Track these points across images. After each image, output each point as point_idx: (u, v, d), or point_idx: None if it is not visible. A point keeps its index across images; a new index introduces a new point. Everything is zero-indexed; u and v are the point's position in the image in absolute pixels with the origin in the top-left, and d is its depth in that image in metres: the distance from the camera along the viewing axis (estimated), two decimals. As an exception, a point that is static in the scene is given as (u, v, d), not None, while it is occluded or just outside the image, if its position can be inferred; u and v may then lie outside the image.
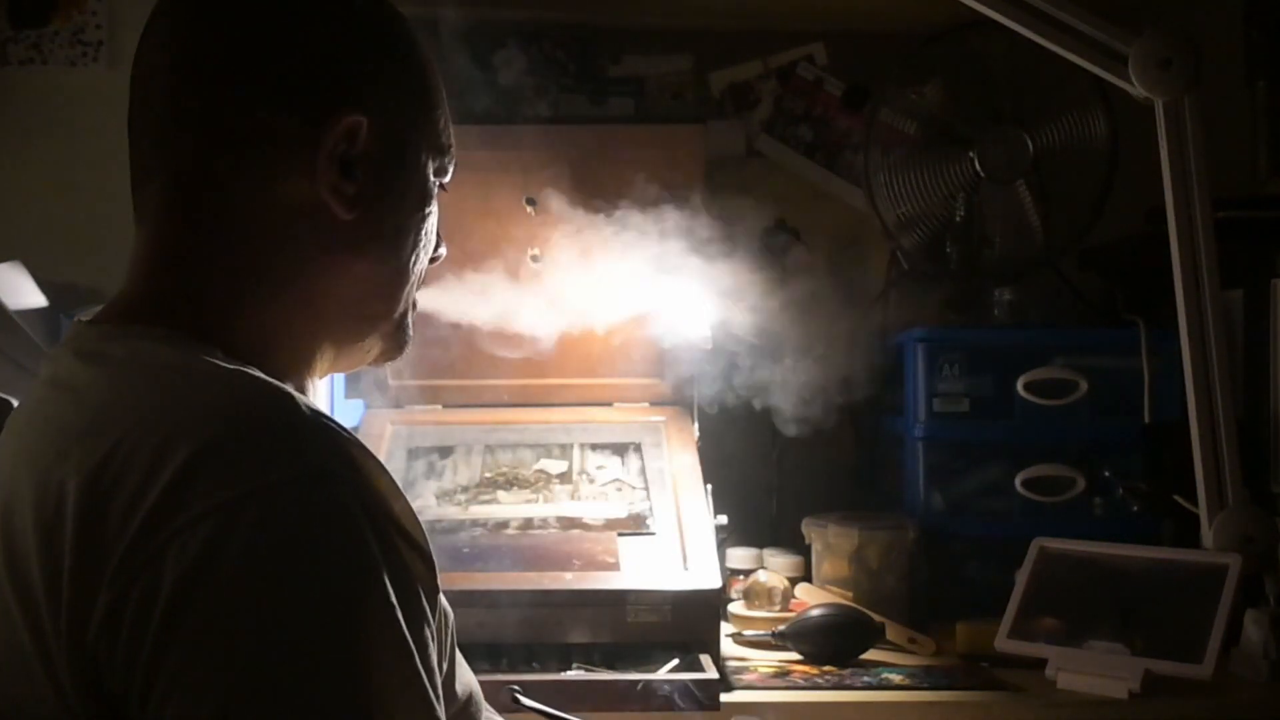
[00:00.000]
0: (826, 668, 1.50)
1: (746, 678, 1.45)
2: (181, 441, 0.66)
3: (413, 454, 1.73)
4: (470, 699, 0.99)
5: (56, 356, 0.81)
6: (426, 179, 0.90)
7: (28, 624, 0.67)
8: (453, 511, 1.62)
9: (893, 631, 1.59)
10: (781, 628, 1.56)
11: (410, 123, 0.88)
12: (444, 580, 0.76)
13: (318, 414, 0.71)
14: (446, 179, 0.93)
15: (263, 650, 0.62)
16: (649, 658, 1.43)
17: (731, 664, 1.50)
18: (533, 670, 1.40)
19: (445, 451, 1.74)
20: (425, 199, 0.90)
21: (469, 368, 1.71)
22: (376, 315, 0.88)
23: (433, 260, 0.93)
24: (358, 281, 0.85)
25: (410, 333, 0.92)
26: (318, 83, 0.82)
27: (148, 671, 0.63)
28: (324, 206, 0.82)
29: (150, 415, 0.69)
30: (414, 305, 0.92)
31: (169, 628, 0.63)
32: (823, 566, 1.75)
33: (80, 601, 0.65)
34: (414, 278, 0.90)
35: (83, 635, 0.65)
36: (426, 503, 1.63)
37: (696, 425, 1.76)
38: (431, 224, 0.91)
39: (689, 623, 1.44)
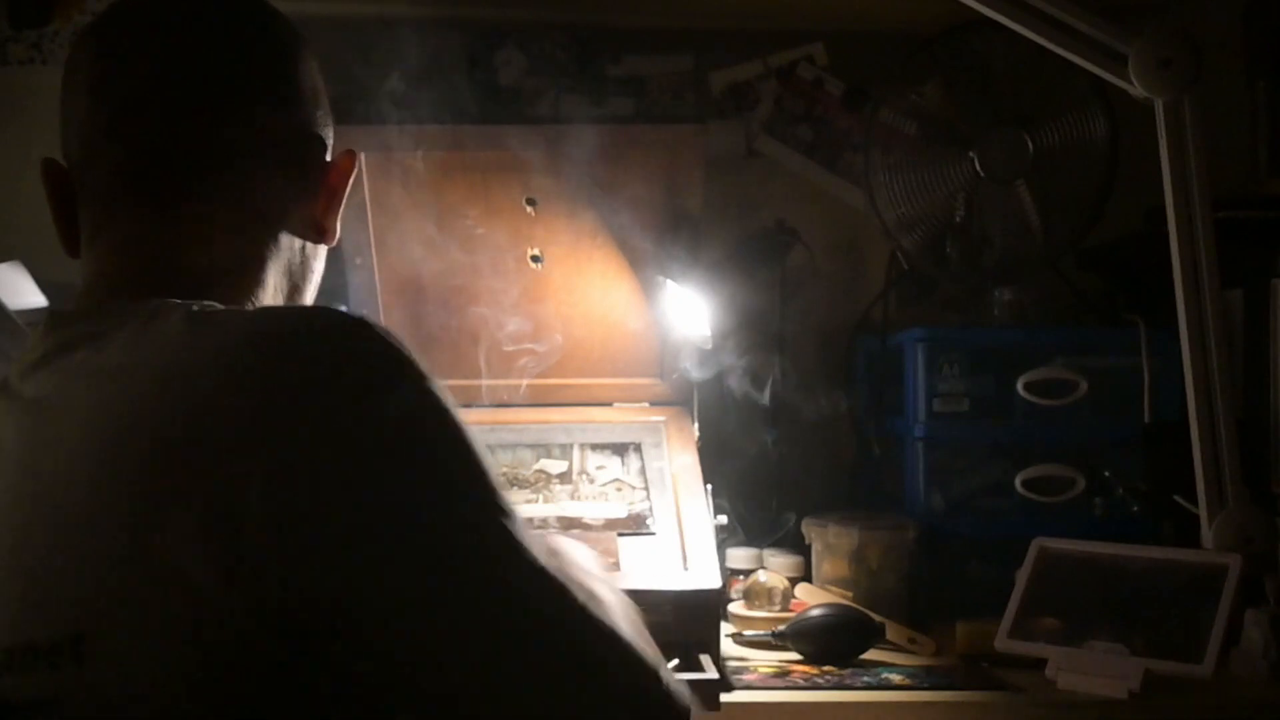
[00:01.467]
0: (826, 668, 1.50)
1: (746, 678, 1.45)
2: (262, 371, 0.71)
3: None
4: None
5: (31, 365, 0.82)
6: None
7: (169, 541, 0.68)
8: (453, 511, 1.61)
9: (893, 631, 1.59)
10: (781, 628, 1.56)
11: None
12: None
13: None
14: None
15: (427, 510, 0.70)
16: (649, 658, 1.43)
17: (731, 664, 1.50)
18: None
19: (445, 451, 1.73)
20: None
21: (469, 368, 1.71)
22: None
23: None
24: (297, 287, 0.95)
25: None
26: (325, 120, 0.97)
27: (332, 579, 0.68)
28: (305, 229, 0.93)
29: (205, 360, 0.73)
30: None
31: (335, 521, 0.68)
32: (823, 566, 1.75)
33: (241, 544, 0.67)
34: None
35: (244, 569, 0.67)
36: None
37: (696, 425, 1.76)
38: None
39: (689, 623, 1.44)
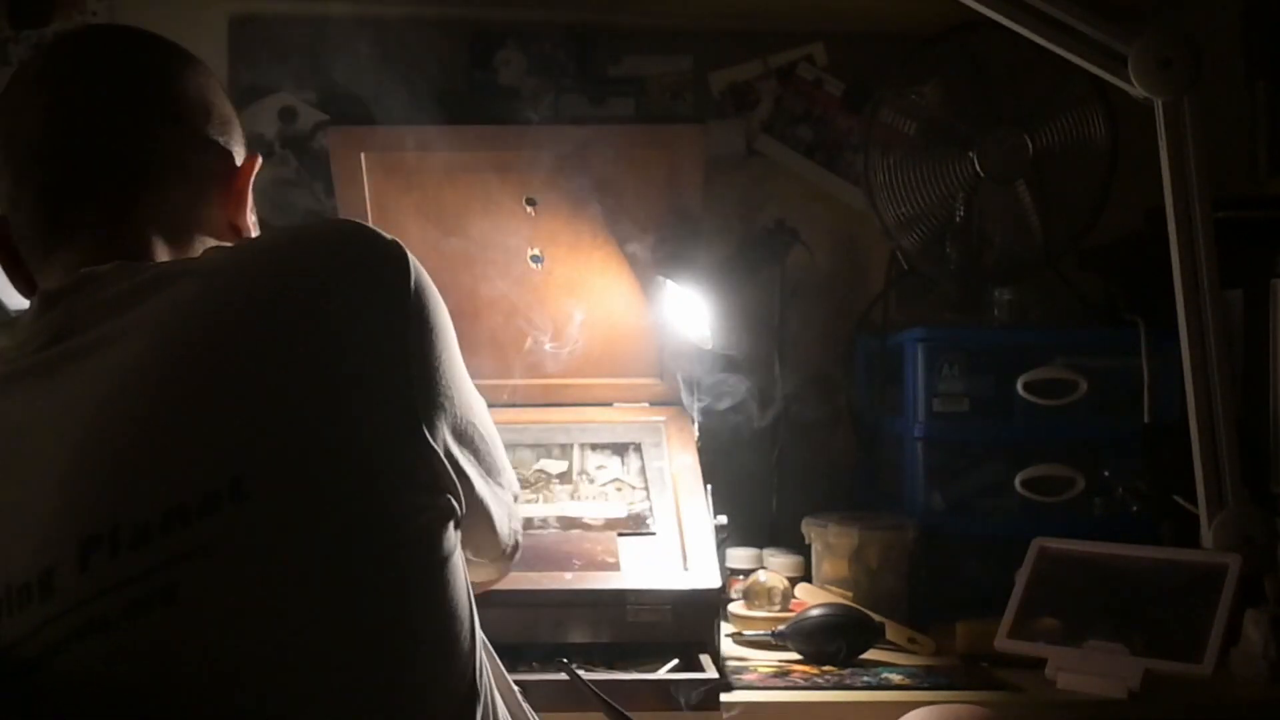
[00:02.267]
0: (826, 668, 1.50)
1: (746, 678, 1.45)
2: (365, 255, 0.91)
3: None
4: None
5: (129, 282, 0.90)
6: None
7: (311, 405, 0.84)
8: (453, 511, 1.61)
9: (893, 631, 1.59)
10: (781, 628, 1.56)
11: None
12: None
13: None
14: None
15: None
16: (649, 658, 1.43)
17: (731, 664, 1.50)
18: (532, 670, 1.40)
19: (445, 451, 1.73)
20: None
21: (469, 368, 1.71)
22: None
23: None
24: None
25: None
26: (225, 125, 1.03)
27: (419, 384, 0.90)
28: (223, 230, 1.02)
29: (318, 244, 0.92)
30: None
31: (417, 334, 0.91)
32: (823, 566, 1.75)
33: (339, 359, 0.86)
34: None
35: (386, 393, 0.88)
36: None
37: (697, 425, 1.76)
38: None
39: (689, 623, 1.44)
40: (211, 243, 1.00)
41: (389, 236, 0.93)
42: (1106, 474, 1.81)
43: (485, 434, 1.01)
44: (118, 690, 0.80)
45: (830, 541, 1.74)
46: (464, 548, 0.96)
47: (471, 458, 0.98)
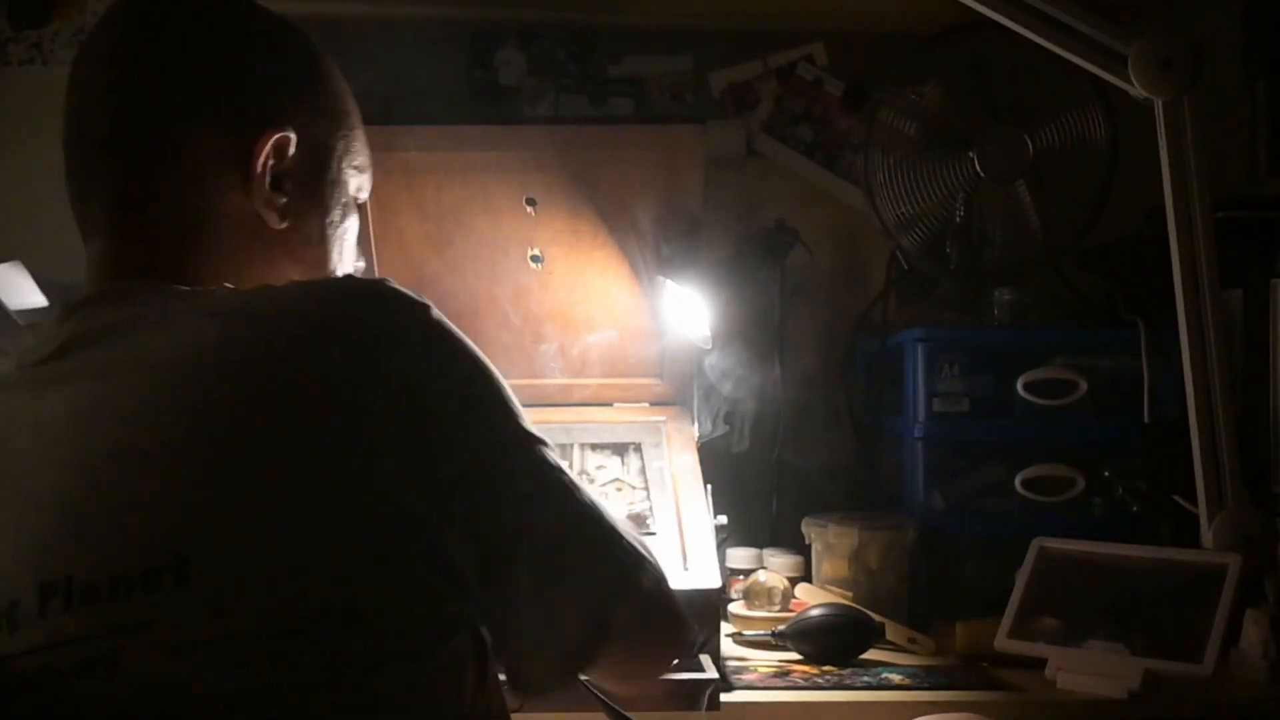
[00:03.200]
0: (826, 668, 1.50)
1: (746, 678, 1.45)
2: (354, 332, 0.82)
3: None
4: None
5: (113, 325, 0.86)
6: (348, 193, 1.01)
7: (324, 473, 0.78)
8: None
9: (893, 631, 1.59)
10: (781, 628, 1.56)
11: (332, 140, 0.99)
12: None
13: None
14: (365, 196, 1.05)
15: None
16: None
17: (731, 664, 1.50)
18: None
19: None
20: (348, 211, 1.01)
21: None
22: None
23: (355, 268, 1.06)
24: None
25: None
26: (248, 103, 0.92)
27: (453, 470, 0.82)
28: (258, 217, 0.93)
29: (316, 316, 0.83)
30: None
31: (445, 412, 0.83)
32: (823, 566, 1.75)
33: (340, 458, 0.78)
34: None
35: (374, 492, 0.79)
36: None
37: (696, 425, 1.76)
38: (353, 236, 1.03)
39: (689, 623, 1.43)
40: (237, 232, 0.92)
41: (419, 300, 0.85)
42: (1106, 474, 1.81)
43: (548, 529, 0.88)
44: None
45: (830, 541, 1.74)
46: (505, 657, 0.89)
47: (510, 558, 0.86)
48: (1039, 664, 1.45)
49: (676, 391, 1.81)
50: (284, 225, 0.94)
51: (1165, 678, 1.41)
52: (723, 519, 1.64)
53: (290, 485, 0.77)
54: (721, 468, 1.80)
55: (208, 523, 0.77)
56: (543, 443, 0.92)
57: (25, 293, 1.74)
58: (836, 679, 1.46)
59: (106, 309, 0.86)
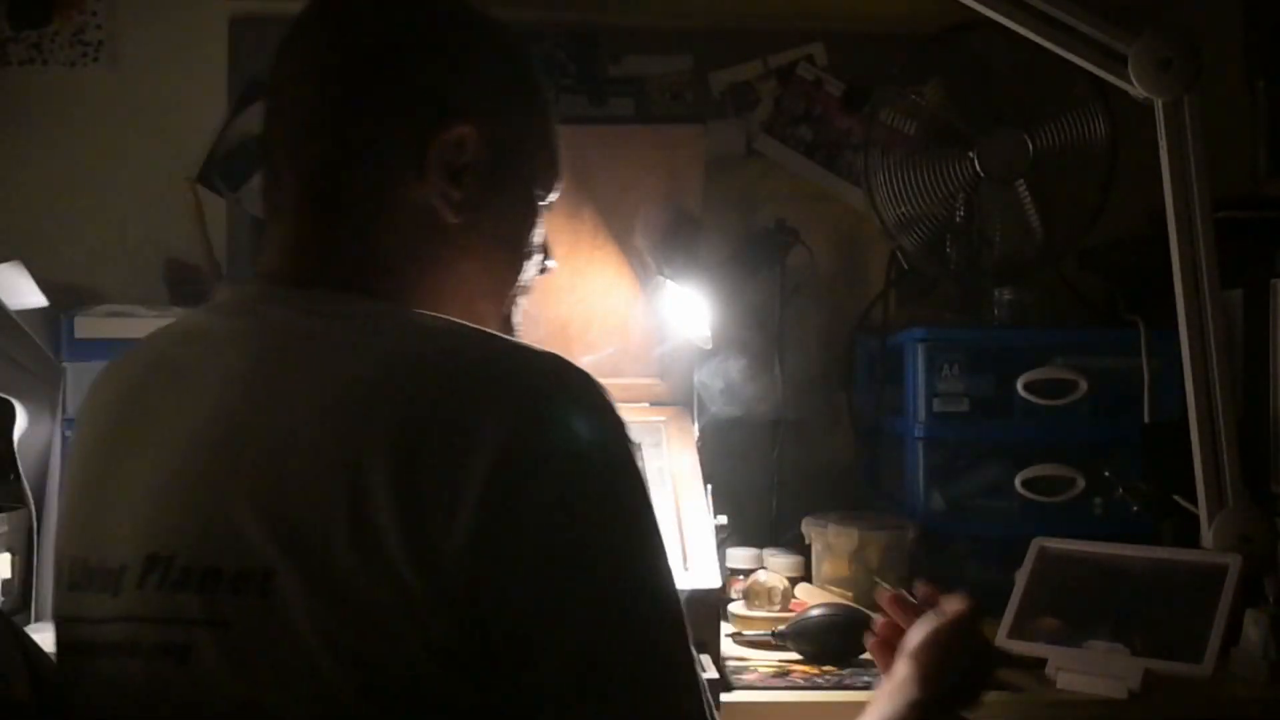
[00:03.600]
0: (826, 668, 1.50)
1: (746, 678, 1.45)
2: (506, 403, 0.77)
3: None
4: None
5: (246, 306, 0.88)
6: (531, 191, 0.97)
7: (372, 554, 0.74)
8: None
9: (893, 631, 1.59)
10: (781, 628, 1.56)
11: (518, 136, 0.95)
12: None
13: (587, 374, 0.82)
14: (552, 196, 1.00)
15: (618, 554, 0.79)
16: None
17: (731, 664, 1.50)
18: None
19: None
20: (531, 210, 0.97)
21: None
22: (483, 315, 0.94)
23: (542, 271, 1.02)
24: (469, 283, 0.93)
25: (515, 335, 0.99)
26: (429, 94, 0.90)
27: (522, 592, 0.75)
28: (434, 210, 0.89)
29: (458, 378, 0.78)
30: (517, 311, 1.00)
31: (539, 550, 0.75)
32: (823, 566, 1.75)
33: (442, 541, 0.74)
34: (519, 283, 0.98)
35: (440, 570, 0.74)
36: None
37: (696, 425, 1.76)
38: (537, 235, 0.99)
39: (689, 623, 1.43)
40: (412, 224, 0.90)
41: (601, 400, 0.80)
42: (1106, 474, 1.81)
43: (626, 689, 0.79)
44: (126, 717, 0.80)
45: (830, 541, 1.74)
46: None
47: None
48: (1039, 664, 1.45)
49: (676, 391, 1.81)
50: (458, 220, 0.90)
51: (1165, 678, 1.41)
52: (723, 519, 1.64)
53: (376, 547, 0.74)
54: (721, 468, 1.80)
55: (301, 548, 0.76)
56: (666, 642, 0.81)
57: (25, 293, 1.74)
58: (836, 679, 1.46)
59: (282, 306, 0.87)
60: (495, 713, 0.77)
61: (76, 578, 0.86)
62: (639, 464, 0.82)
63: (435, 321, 0.85)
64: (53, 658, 0.92)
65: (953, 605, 1.16)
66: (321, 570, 0.75)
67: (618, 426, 0.81)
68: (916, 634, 1.14)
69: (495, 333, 0.86)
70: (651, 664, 0.79)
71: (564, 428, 0.78)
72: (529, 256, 0.98)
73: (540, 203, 0.98)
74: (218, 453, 0.81)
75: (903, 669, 1.12)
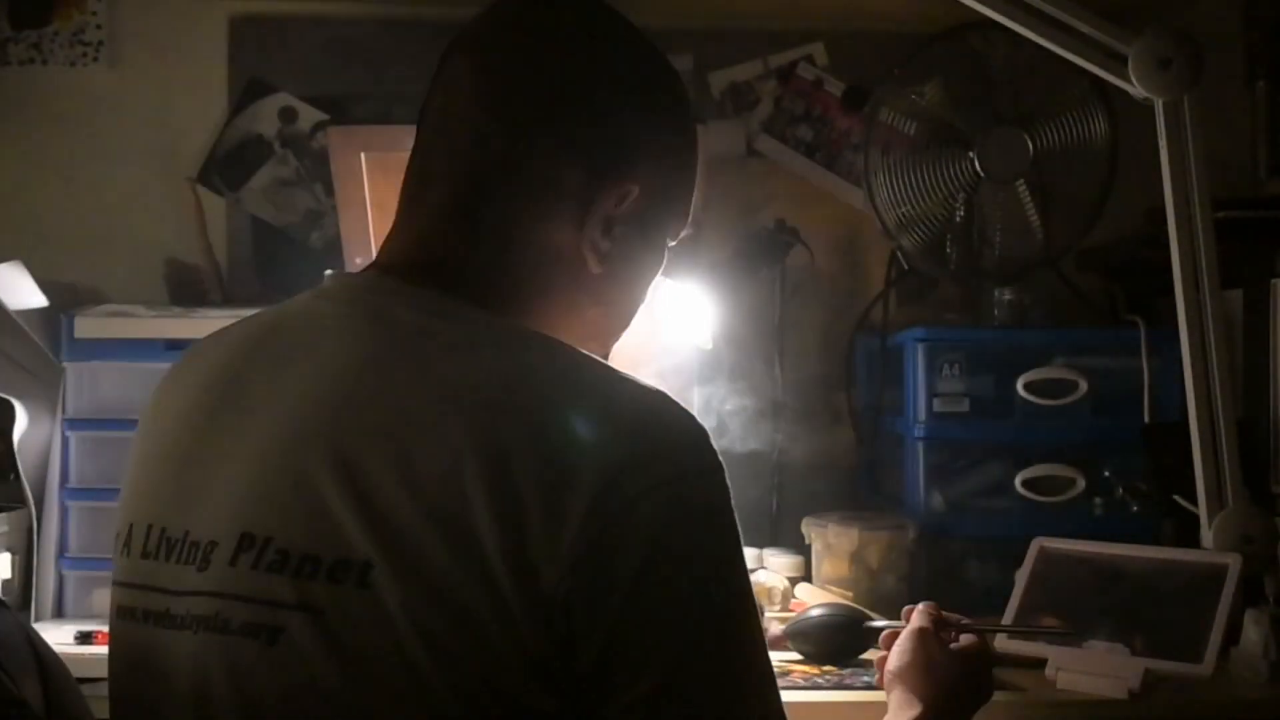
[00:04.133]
0: (826, 668, 1.50)
1: (746, 678, 1.45)
2: (613, 430, 0.79)
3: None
4: None
5: (354, 294, 0.90)
6: (666, 242, 1.00)
7: (469, 567, 0.76)
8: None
9: (893, 631, 1.59)
10: (781, 628, 1.56)
11: (669, 199, 0.98)
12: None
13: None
14: (677, 240, 1.03)
15: (710, 586, 0.81)
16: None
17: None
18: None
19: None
20: (661, 259, 1.00)
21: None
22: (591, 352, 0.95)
23: None
24: (587, 324, 0.96)
25: None
26: (608, 148, 0.91)
27: (616, 615, 0.77)
28: (580, 256, 0.92)
29: (570, 398, 0.81)
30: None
31: (639, 573, 0.77)
32: (823, 566, 1.75)
33: (541, 553, 0.75)
34: (627, 324, 1.03)
35: (538, 581, 0.76)
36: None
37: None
38: (655, 283, 1.02)
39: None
40: (552, 263, 0.92)
41: (703, 440, 0.82)
42: (1106, 474, 1.81)
43: None
44: (197, 692, 0.82)
45: (830, 541, 1.74)
46: None
47: None
48: (1039, 664, 1.45)
49: (676, 391, 1.80)
50: (600, 271, 0.93)
51: (1165, 678, 1.41)
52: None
53: (473, 551, 0.76)
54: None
55: (400, 545, 0.77)
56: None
57: (25, 293, 1.74)
58: (836, 679, 1.45)
59: (390, 298, 0.88)
60: None
61: (152, 546, 0.87)
62: (731, 502, 0.84)
63: (549, 340, 0.88)
64: (61, 658, 0.92)
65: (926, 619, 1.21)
66: (419, 567, 0.76)
67: (716, 467, 0.83)
68: (894, 658, 1.18)
69: (607, 363, 0.89)
70: (737, 690, 0.82)
71: (669, 462, 0.80)
72: (644, 303, 1.02)
73: (669, 248, 1.01)
74: (318, 441, 0.81)
75: (894, 695, 1.16)
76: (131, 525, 0.90)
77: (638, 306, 1.01)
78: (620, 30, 0.96)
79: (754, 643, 0.84)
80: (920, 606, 1.25)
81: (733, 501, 0.84)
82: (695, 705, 0.80)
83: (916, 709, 1.12)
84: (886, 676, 1.18)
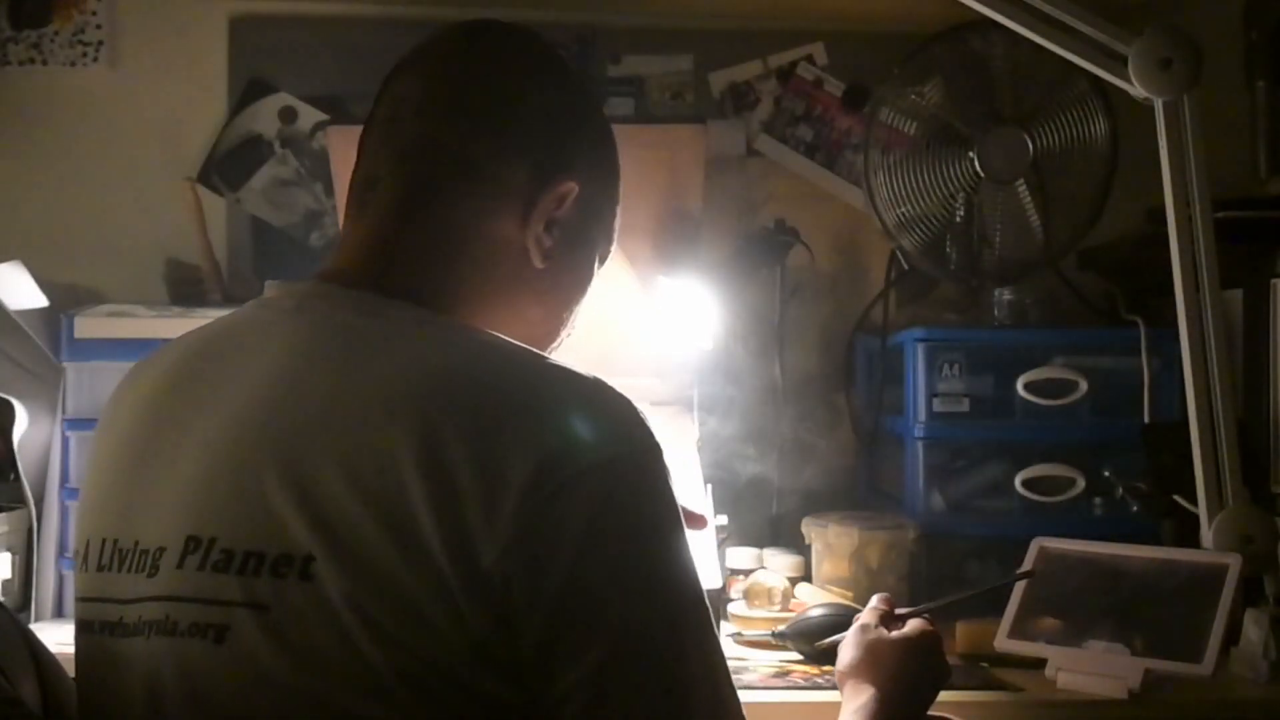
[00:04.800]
0: (826, 668, 1.50)
1: (746, 678, 1.45)
2: (547, 415, 0.82)
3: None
4: None
5: (291, 302, 0.92)
6: (595, 253, 1.05)
7: (411, 550, 0.78)
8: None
9: (893, 631, 1.59)
10: (781, 628, 1.56)
11: (602, 200, 1.04)
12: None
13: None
14: (605, 263, 1.08)
15: (648, 563, 0.84)
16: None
17: (731, 664, 1.50)
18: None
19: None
20: (591, 271, 1.06)
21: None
22: None
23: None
24: (525, 323, 1.00)
25: None
26: (550, 149, 0.98)
27: (556, 593, 0.79)
28: (524, 252, 0.97)
29: (503, 384, 0.84)
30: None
31: (577, 552, 0.79)
32: (823, 566, 1.75)
33: (479, 536, 0.77)
34: (563, 335, 1.06)
35: (478, 563, 0.77)
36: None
37: (697, 425, 1.76)
38: (585, 295, 1.07)
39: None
40: (497, 256, 0.96)
41: (637, 419, 0.86)
42: (1106, 474, 1.81)
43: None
44: (150, 695, 0.83)
45: (830, 541, 1.74)
46: None
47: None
48: (1039, 664, 1.45)
49: (676, 391, 1.81)
50: (543, 266, 0.97)
51: (1165, 678, 1.41)
52: (723, 519, 1.64)
53: (412, 538, 0.78)
54: (721, 468, 1.80)
55: (340, 536, 0.79)
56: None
57: (25, 293, 1.75)
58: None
59: (326, 302, 0.91)
60: (529, 707, 0.81)
61: (105, 559, 0.88)
62: (670, 482, 0.86)
63: (483, 333, 0.91)
64: (58, 658, 0.92)
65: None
66: (359, 557, 0.78)
67: (651, 447, 0.85)
68: (842, 657, 1.20)
69: (542, 353, 0.93)
70: (681, 663, 0.84)
71: (604, 444, 0.82)
72: (577, 308, 1.06)
73: (598, 267, 1.06)
74: (258, 440, 0.83)
75: (845, 690, 1.17)
76: (88, 541, 0.91)
77: (572, 313, 1.06)
78: (549, 51, 1.04)
79: (698, 621, 0.86)
80: (871, 601, 1.27)
81: (671, 481, 0.86)
82: (640, 682, 0.81)
83: (865, 694, 1.14)
84: (837, 676, 1.20)
